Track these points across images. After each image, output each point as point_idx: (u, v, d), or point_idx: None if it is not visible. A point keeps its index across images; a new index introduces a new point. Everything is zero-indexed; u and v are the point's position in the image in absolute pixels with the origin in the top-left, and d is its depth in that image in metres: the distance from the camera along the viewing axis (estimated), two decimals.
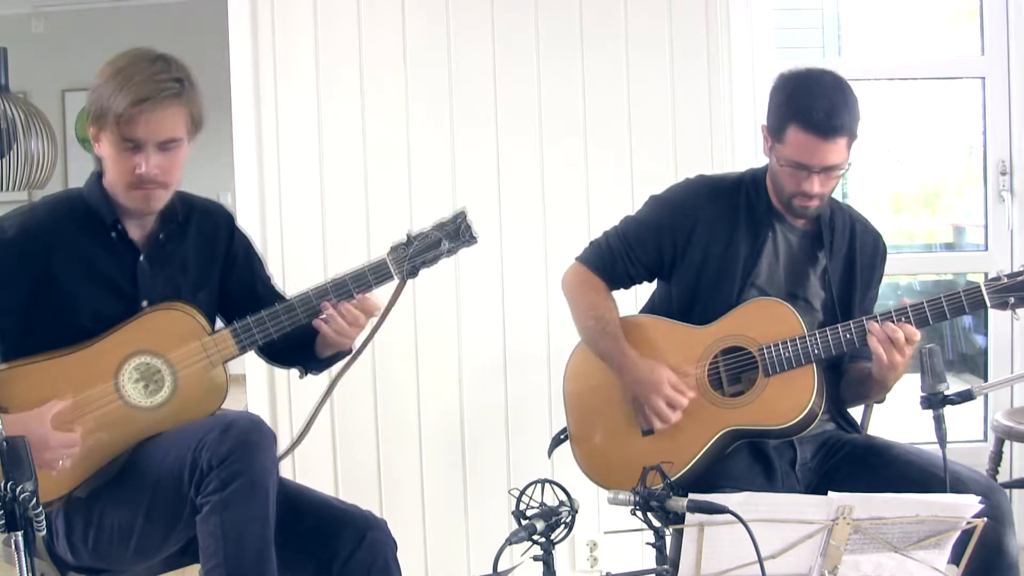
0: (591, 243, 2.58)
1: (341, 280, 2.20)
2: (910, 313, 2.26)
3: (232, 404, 2.20)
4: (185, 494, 1.96)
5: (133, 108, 2.01)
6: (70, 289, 2.09)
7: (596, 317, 2.47)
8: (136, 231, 2.18)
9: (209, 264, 2.28)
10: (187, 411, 2.08)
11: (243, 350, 2.16)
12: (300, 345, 2.30)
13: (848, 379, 2.46)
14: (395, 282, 2.22)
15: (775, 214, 2.44)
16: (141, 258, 2.17)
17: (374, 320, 2.25)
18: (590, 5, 3.30)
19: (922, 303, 2.26)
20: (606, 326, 2.45)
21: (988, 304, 2.24)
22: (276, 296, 2.30)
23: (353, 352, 2.31)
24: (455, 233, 2.25)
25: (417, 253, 2.22)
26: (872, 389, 2.40)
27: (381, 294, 2.25)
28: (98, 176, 2.17)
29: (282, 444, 3.18)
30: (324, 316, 2.18)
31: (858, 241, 2.47)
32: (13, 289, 2.06)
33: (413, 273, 2.23)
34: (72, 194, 2.20)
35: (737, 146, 3.29)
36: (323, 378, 2.41)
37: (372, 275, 2.21)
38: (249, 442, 1.96)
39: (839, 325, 2.31)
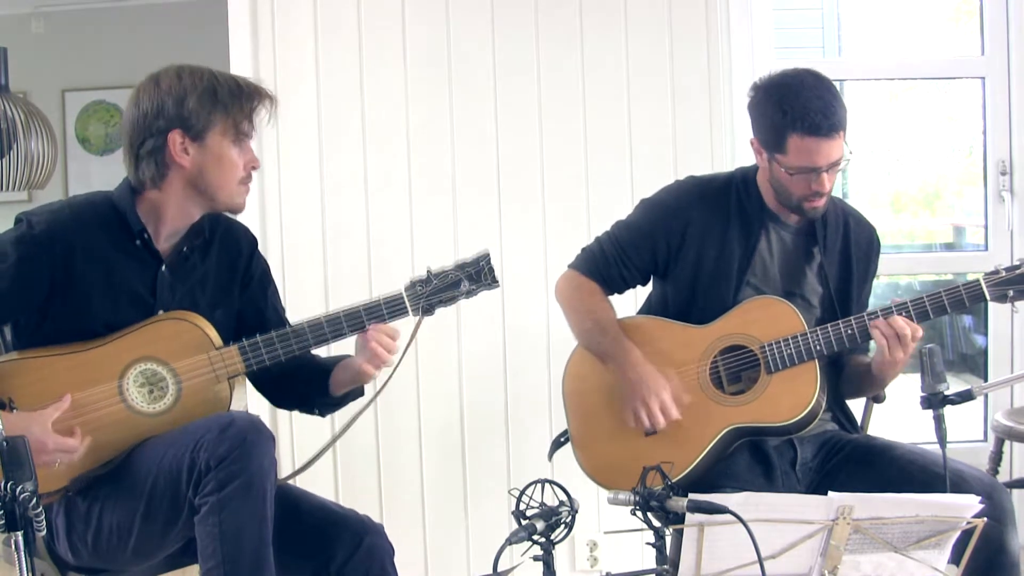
0: (583, 250, 2.58)
1: (354, 310, 2.18)
2: (911, 308, 2.27)
3: (233, 404, 2.19)
4: (183, 494, 1.96)
5: (256, 102, 2.13)
6: (87, 291, 2.09)
7: (595, 319, 2.47)
8: (162, 242, 2.18)
9: (229, 283, 2.28)
10: (187, 422, 2.06)
11: (249, 367, 2.14)
12: (312, 383, 2.30)
13: (846, 373, 2.46)
14: (408, 317, 2.20)
15: (768, 213, 2.44)
16: (163, 268, 2.17)
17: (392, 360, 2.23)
18: (590, 5, 3.30)
19: (922, 297, 2.28)
20: (606, 326, 2.45)
21: (987, 297, 2.25)
22: (285, 326, 2.27)
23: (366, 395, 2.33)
24: (476, 275, 2.20)
25: (435, 291, 2.19)
26: (870, 384, 2.41)
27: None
28: (129, 186, 2.17)
29: (283, 444, 3.21)
30: (361, 344, 2.18)
31: (852, 235, 2.48)
32: (33, 283, 2.07)
33: (429, 311, 2.20)
34: (102, 197, 2.19)
35: (737, 146, 3.29)
36: None
37: (387, 308, 2.18)
38: (247, 442, 1.95)
39: (840, 321, 2.32)
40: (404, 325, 2.23)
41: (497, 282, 2.22)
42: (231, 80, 2.14)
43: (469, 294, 2.22)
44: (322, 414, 2.37)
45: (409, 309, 2.19)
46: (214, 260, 2.26)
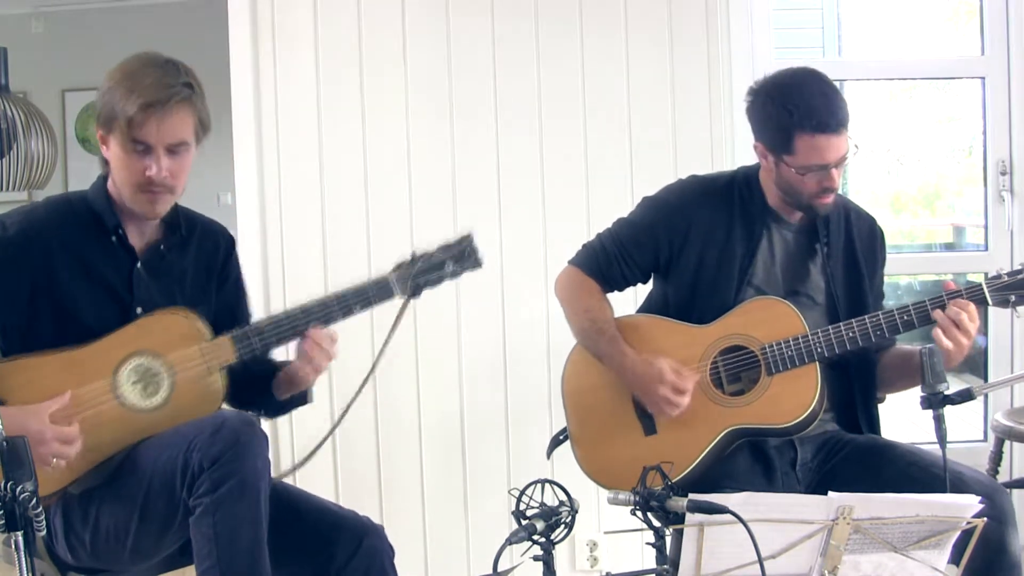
0: (584, 246, 2.57)
1: (343, 294, 2.19)
2: (912, 311, 2.26)
3: None
4: (178, 496, 1.96)
5: (144, 112, 2.04)
6: (68, 289, 2.10)
7: (592, 319, 2.47)
8: (137, 238, 2.18)
9: (207, 281, 2.28)
10: (183, 415, 2.07)
11: (241, 357, 2.15)
12: (255, 384, 2.29)
13: (898, 367, 2.43)
14: (396, 300, 2.22)
15: (770, 213, 2.44)
16: (138, 265, 2.17)
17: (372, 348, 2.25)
18: (590, 6, 3.30)
19: (924, 301, 2.27)
20: (603, 327, 2.45)
21: (989, 302, 2.24)
22: None
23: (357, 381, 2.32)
24: (460, 256, 2.25)
25: (421, 272, 2.22)
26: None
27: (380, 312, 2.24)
28: (103, 180, 2.18)
29: (283, 444, 3.21)
30: (304, 347, 2.17)
31: (855, 228, 2.47)
32: (13, 286, 2.07)
33: (416, 293, 2.22)
34: (75, 196, 2.20)
35: (737, 146, 3.29)
36: (324, 393, 2.38)
37: (374, 291, 2.20)
38: (240, 443, 1.95)
39: (842, 324, 2.31)
40: (389, 310, 2.24)
41: (480, 263, 2.26)
42: (133, 84, 2.05)
43: (454, 275, 2.25)
44: (267, 416, 2.38)
45: (396, 291, 2.21)
46: (192, 258, 2.26)
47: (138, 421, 2.08)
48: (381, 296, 2.21)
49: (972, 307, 2.22)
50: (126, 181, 2.10)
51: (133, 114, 2.03)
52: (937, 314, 2.23)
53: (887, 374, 2.45)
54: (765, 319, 2.35)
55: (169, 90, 2.06)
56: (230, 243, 2.36)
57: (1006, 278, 2.24)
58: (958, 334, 2.21)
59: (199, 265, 2.27)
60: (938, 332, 2.22)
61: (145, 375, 2.10)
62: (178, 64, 2.12)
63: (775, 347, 2.32)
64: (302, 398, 2.33)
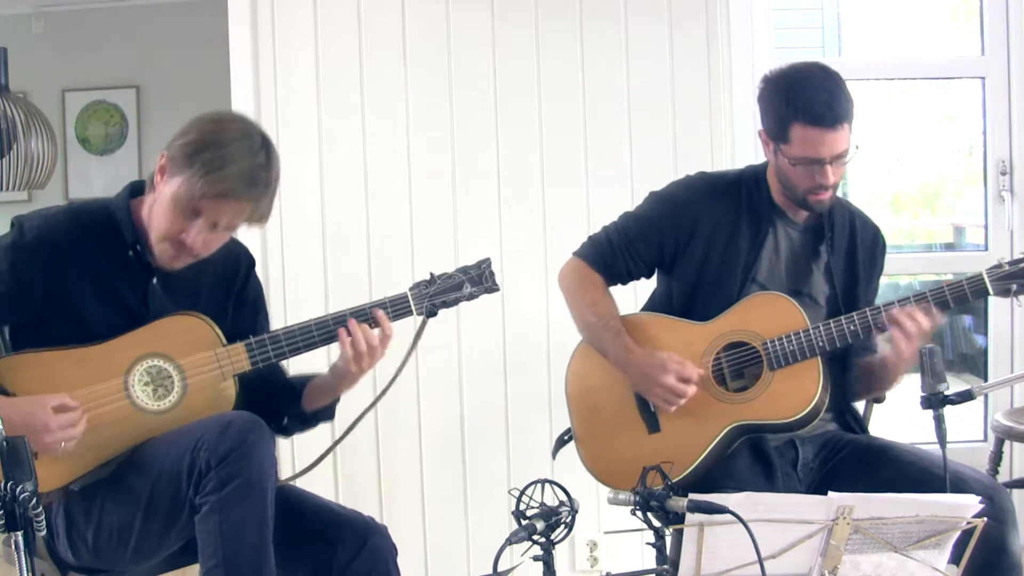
0: (589, 238, 2.58)
1: (360, 309, 2.21)
2: (913, 303, 2.26)
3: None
4: (184, 494, 1.96)
5: (214, 200, 2.03)
6: (79, 299, 2.09)
7: (597, 314, 2.47)
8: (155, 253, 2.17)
9: (224, 301, 2.28)
10: (193, 419, 2.06)
11: (255, 365, 2.15)
12: (283, 396, 2.29)
13: (857, 372, 2.45)
14: (412, 317, 2.23)
15: (777, 211, 2.45)
16: (154, 280, 2.17)
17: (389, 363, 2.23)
18: (590, 6, 3.30)
19: (925, 293, 2.27)
20: (608, 322, 2.45)
21: (990, 291, 2.24)
22: None
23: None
24: (478, 278, 2.28)
25: (438, 292, 2.25)
26: (883, 380, 2.40)
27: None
28: (130, 193, 2.17)
29: (283, 445, 3.21)
30: (342, 339, 2.17)
31: (859, 235, 2.48)
32: (25, 290, 2.06)
33: (432, 312, 2.25)
34: (99, 205, 2.18)
35: (737, 145, 3.29)
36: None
37: (391, 308, 2.22)
38: (247, 442, 1.95)
39: (843, 317, 2.31)
40: (405, 330, 2.24)
41: (497, 286, 2.29)
42: (220, 164, 2.02)
43: (471, 297, 2.28)
44: (287, 432, 2.35)
45: (413, 308, 2.23)
46: (209, 276, 2.25)
47: (148, 422, 2.08)
48: (398, 313, 2.23)
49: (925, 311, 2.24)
50: (159, 228, 2.09)
51: (202, 194, 2.02)
52: (893, 313, 2.25)
53: (864, 380, 2.46)
54: (766, 314, 2.36)
55: (248, 190, 2.06)
56: (250, 264, 2.35)
57: (1007, 267, 2.24)
58: (909, 330, 2.23)
59: (216, 284, 2.27)
60: (896, 334, 2.24)
61: (156, 378, 2.11)
62: (271, 152, 2.12)
63: (777, 342, 2.32)
64: (329, 412, 2.33)
